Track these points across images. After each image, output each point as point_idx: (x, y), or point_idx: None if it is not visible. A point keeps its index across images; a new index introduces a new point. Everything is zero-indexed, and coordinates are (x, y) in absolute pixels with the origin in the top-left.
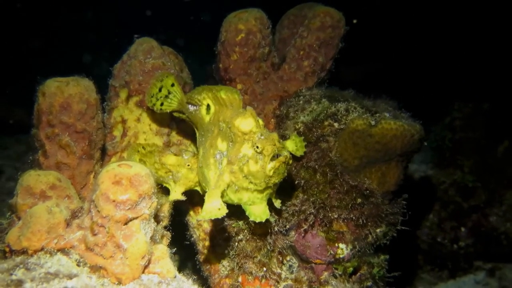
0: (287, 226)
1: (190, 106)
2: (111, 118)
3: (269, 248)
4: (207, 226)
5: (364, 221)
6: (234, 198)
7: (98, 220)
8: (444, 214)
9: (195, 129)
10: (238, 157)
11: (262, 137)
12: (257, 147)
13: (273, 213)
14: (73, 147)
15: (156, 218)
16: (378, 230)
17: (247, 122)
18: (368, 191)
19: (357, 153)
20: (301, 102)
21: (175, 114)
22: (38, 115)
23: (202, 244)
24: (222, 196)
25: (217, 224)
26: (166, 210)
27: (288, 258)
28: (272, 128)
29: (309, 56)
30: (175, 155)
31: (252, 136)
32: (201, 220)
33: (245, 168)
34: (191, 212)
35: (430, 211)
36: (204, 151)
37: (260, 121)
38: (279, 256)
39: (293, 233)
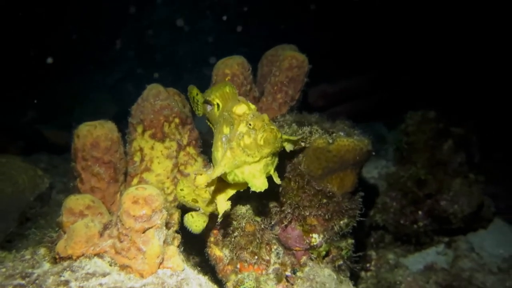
0: (272, 223)
1: (208, 106)
2: (131, 147)
3: (258, 241)
4: (211, 226)
5: (330, 216)
6: (238, 172)
7: (123, 231)
8: (405, 201)
9: (212, 128)
10: (236, 134)
11: (254, 117)
12: (250, 124)
13: (259, 214)
14: (102, 175)
15: (168, 225)
16: (341, 222)
17: (241, 107)
18: (330, 193)
19: (320, 165)
20: (276, 126)
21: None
22: (75, 152)
23: (209, 240)
24: (229, 175)
25: (218, 225)
26: (176, 218)
27: (275, 247)
28: None
29: (281, 91)
30: (200, 174)
31: (245, 117)
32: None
33: (241, 142)
34: None
35: (394, 200)
36: (215, 139)
37: (252, 106)
38: (267, 246)
39: (277, 227)
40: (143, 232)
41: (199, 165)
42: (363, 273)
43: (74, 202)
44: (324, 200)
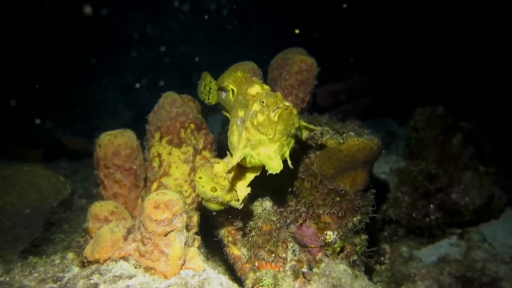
0: (287, 221)
1: (223, 93)
2: (150, 153)
3: (274, 240)
4: (229, 226)
5: (343, 213)
6: (254, 154)
7: (146, 234)
8: (416, 195)
9: (228, 115)
10: (250, 114)
11: (267, 95)
12: (263, 102)
13: (275, 214)
14: (124, 181)
15: (187, 227)
16: (354, 219)
17: (254, 88)
18: (343, 192)
19: (332, 165)
20: None
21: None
22: (97, 161)
23: (227, 239)
24: (245, 158)
25: (236, 225)
26: (195, 220)
27: (290, 245)
28: None
29: (291, 93)
30: (218, 163)
31: (259, 96)
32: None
33: (255, 121)
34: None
35: (405, 194)
36: (230, 124)
37: (266, 86)
38: (283, 244)
39: (292, 226)
40: (165, 235)
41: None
42: (377, 267)
43: (99, 208)
44: (337, 199)
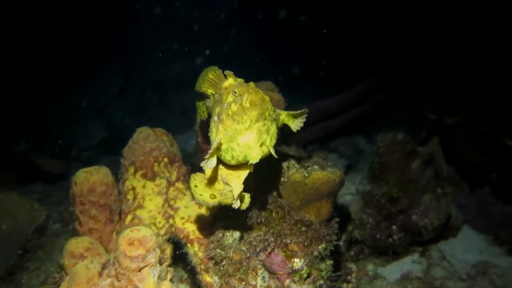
0: (257, 250)
1: (207, 100)
2: (124, 186)
3: (244, 268)
4: (201, 255)
5: (309, 242)
6: (234, 146)
7: (120, 270)
8: (380, 217)
9: None
10: (224, 106)
11: (239, 85)
12: (235, 92)
13: (245, 243)
14: (99, 217)
15: (161, 260)
16: (320, 247)
17: (227, 81)
18: (308, 222)
19: (298, 197)
20: None
21: None
22: (73, 198)
23: (200, 267)
24: (227, 153)
25: (208, 254)
26: (168, 253)
27: (260, 272)
28: None
29: None
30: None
31: (232, 87)
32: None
33: (229, 111)
34: (188, 244)
35: (370, 216)
36: (210, 124)
37: (239, 79)
38: (253, 272)
39: (262, 254)
40: (139, 271)
41: (188, 198)
42: (345, 285)
43: (74, 245)
44: (303, 228)
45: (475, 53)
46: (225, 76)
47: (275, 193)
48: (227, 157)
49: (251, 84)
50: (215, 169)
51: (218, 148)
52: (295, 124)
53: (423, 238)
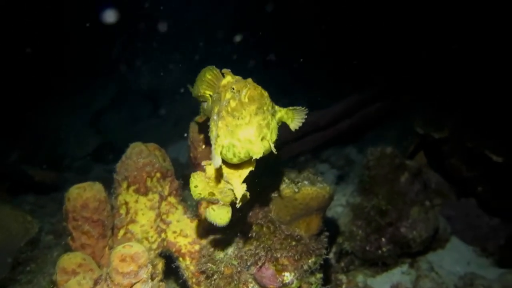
0: (248, 264)
1: (204, 104)
2: (117, 201)
3: (236, 282)
4: (192, 269)
5: (299, 256)
6: (235, 142)
7: (112, 286)
8: (369, 229)
9: None
10: (223, 103)
11: (237, 82)
12: (233, 88)
13: (236, 258)
14: (92, 232)
15: (152, 276)
16: (309, 261)
17: (225, 79)
18: (298, 236)
19: (288, 212)
20: None
21: None
22: (66, 213)
23: (191, 281)
24: (229, 151)
25: (199, 269)
26: (160, 268)
27: (251, 285)
28: None
29: None
30: (209, 164)
31: (230, 85)
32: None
33: (228, 108)
34: (180, 258)
35: (359, 228)
36: (210, 124)
37: (237, 77)
38: (244, 286)
39: (252, 267)
40: (131, 287)
41: (180, 212)
42: None
43: (67, 261)
44: (293, 243)
45: (463, 69)
46: (222, 75)
47: (266, 208)
48: (228, 155)
49: (249, 80)
50: (217, 168)
51: (221, 145)
52: (294, 123)
53: (411, 250)
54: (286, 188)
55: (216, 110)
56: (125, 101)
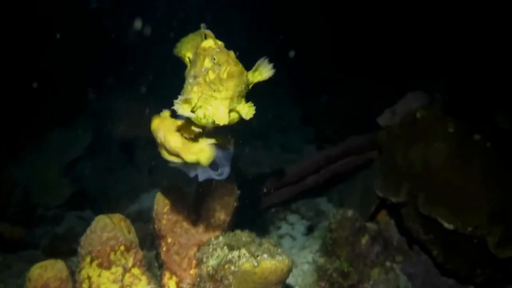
0: None
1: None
2: (80, 276)
3: None
4: None
5: None
6: (207, 106)
7: None
8: None
9: None
10: (201, 70)
11: (219, 51)
12: (214, 58)
13: None
14: None
15: None
16: None
17: (207, 41)
18: None
19: (247, 286)
20: (210, 249)
21: None
22: None
23: None
24: (199, 111)
25: None
26: None
27: None
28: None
29: (214, 217)
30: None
31: (211, 51)
32: None
33: (206, 78)
34: None
35: None
36: (184, 88)
37: (219, 42)
38: None
39: None
40: None
41: (143, 283)
42: None
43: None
44: None
45: None
46: (205, 36)
47: (226, 282)
48: (199, 114)
49: (231, 54)
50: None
51: (193, 104)
52: (264, 75)
53: None
54: (246, 262)
55: (192, 72)
56: (100, 149)
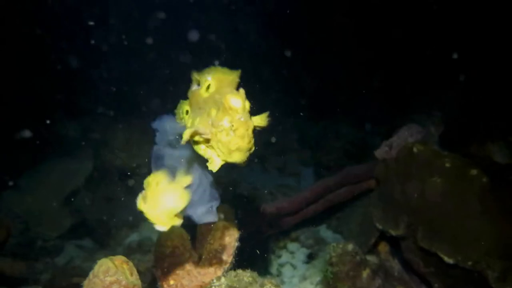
0: None
1: (194, 85)
2: None
3: None
4: None
5: None
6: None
7: None
8: None
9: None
10: (219, 123)
11: (242, 119)
12: (233, 125)
13: None
14: None
15: None
16: None
17: (236, 100)
18: None
19: None
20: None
21: None
22: None
23: None
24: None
25: None
26: None
27: None
28: None
29: (215, 257)
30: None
31: (233, 114)
32: None
33: (219, 135)
34: None
35: None
36: (194, 113)
37: (247, 106)
38: None
39: None
40: None
41: None
42: None
43: None
44: None
45: None
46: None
47: None
48: (201, 148)
49: (250, 124)
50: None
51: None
52: (263, 123)
53: None
54: None
55: (212, 112)
56: (100, 180)
